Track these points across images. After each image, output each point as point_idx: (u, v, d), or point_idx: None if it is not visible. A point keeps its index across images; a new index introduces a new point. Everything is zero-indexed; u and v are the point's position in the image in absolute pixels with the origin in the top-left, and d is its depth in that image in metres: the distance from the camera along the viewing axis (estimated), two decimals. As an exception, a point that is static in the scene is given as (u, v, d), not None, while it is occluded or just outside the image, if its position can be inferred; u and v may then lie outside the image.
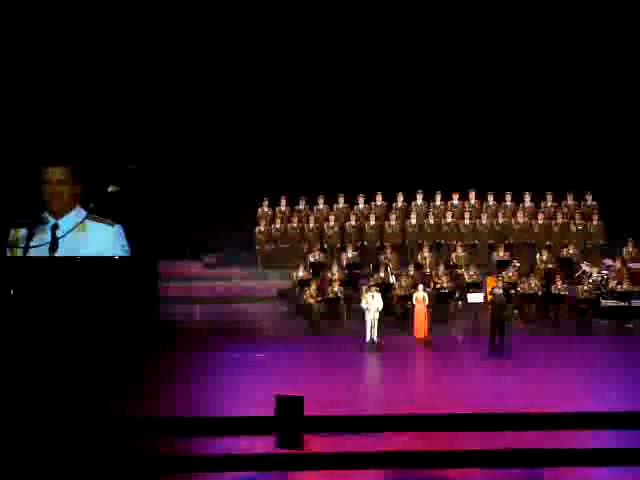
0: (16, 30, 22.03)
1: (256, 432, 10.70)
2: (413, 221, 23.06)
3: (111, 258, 20.47)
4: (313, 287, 21.16)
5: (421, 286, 20.61)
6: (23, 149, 20.58)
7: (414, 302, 20.43)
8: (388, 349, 19.37)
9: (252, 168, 23.91)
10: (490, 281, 21.11)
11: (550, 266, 22.03)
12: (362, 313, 20.01)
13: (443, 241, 23.01)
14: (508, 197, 23.35)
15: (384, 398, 15.48)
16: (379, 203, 23.54)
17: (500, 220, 23.02)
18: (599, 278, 21.34)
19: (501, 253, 22.29)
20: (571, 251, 22.31)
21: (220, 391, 15.37)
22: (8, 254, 20.21)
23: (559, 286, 21.18)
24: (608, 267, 21.75)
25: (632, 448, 9.39)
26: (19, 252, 20.01)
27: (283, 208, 23.49)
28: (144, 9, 23.09)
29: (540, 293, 21.36)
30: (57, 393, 14.67)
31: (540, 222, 22.92)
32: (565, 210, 23.20)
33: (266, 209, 23.49)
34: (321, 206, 23.55)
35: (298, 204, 23.55)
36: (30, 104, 21.79)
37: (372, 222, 23.10)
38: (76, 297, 19.76)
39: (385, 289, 20.88)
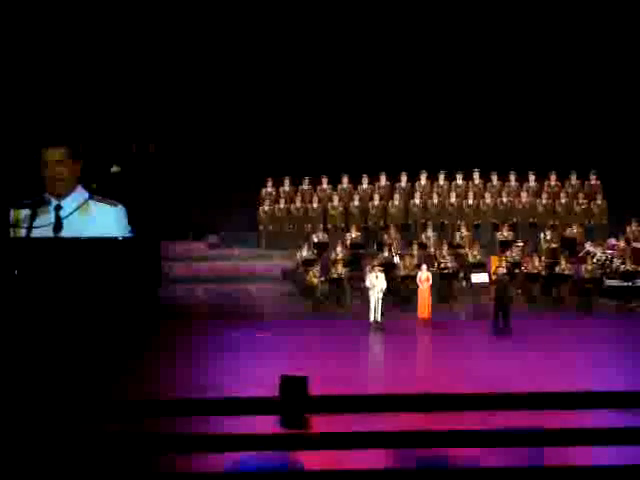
0: (14, 12, 21.94)
1: (259, 412, 10.72)
2: (417, 201, 23.04)
3: (114, 239, 20.50)
4: (317, 267, 21.19)
5: (425, 266, 20.64)
6: (22, 131, 20.54)
7: (417, 282, 20.47)
8: (391, 329, 19.40)
9: (256, 148, 23.86)
10: (494, 261, 21.15)
11: (554, 246, 22.03)
12: (366, 293, 20.05)
13: (447, 221, 23.00)
14: (512, 177, 23.31)
15: (387, 378, 15.52)
16: (383, 183, 23.51)
17: (504, 200, 23.00)
18: (603, 258, 21.34)
19: (505, 233, 22.29)
20: (575, 231, 22.30)
21: (224, 371, 15.41)
22: (13, 234, 20.20)
23: (563, 266, 21.19)
24: (612, 247, 21.74)
25: (632, 427, 9.44)
26: (22, 233, 20.01)
27: (287, 188, 23.49)
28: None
29: (544, 273, 21.37)
30: (59, 375, 14.72)
31: (544, 202, 22.89)
32: (569, 190, 23.16)
33: (270, 189, 23.47)
34: (325, 186, 23.54)
35: (302, 184, 23.55)
36: (29, 85, 21.73)
37: (376, 202, 23.08)
38: (79, 278, 19.79)
39: (389, 269, 20.89)
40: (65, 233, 20.21)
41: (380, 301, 19.82)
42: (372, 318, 19.76)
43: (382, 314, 19.74)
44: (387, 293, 20.06)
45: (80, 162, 20.47)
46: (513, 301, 19.76)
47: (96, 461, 8.94)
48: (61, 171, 20.36)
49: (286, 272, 22.30)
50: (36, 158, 20.17)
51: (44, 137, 20.28)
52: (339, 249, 21.83)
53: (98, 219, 20.46)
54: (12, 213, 19.97)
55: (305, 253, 21.85)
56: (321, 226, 22.81)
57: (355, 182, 23.54)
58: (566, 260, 21.28)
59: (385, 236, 22.35)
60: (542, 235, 22.28)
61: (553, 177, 23.28)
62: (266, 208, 23.20)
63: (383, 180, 23.50)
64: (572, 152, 23.17)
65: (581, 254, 21.78)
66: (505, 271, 19.66)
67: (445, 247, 21.78)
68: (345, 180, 23.54)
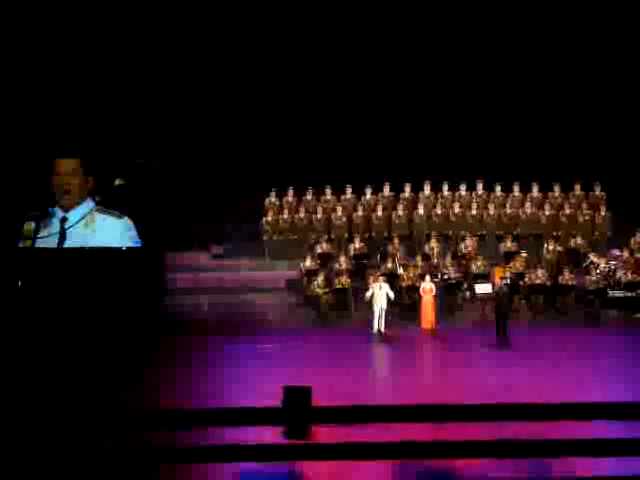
0: (27, 25, 22.08)
1: (263, 423, 10.71)
2: (420, 211, 23.04)
3: (119, 249, 20.52)
4: (321, 278, 21.20)
5: (428, 277, 20.64)
6: (34, 142, 20.63)
7: (421, 293, 20.47)
8: (395, 340, 19.40)
9: (259, 159, 23.92)
10: (497, 272, 21.13)
11: (557, 257, 22.00)
12: (370, 304, 20.05)
13: (450, 232, 22.99)
14: (516, 187, 23.29)
15: (391, 389, 15.51)
16: (386, 194, 23.52)
17: (508, 211, 22.99)
18: (607, 268, 21.32)
19: (508, 244, 22.28)
20: (579, 241, 22.28)
21: (227, 382, 15.42)
22: (20, 245, 20.27)
23: (566, 277, 21.17)
24: (616, 257, 21.72)
25: (636, 439, 9.42)
26: (30, 244, 20.08)
27: (290, 199, 23.51)
28: (150, 5, 23.10)
29: (548, 284, 21.35)
30: (62, 385, 14.73)
31: (547, 213, 22.88)
32: (573, 201, 23.15)
33: (274, 200, 23.50)
34: (328, 197, 23.56)
35: (305, 195, 23.57)
36: (40, 98, 21.83)
37: (379, 213, 23.08)
38: (82, 288, 19.82)
39: (392, 280, 20.90)
40: (69, 244, 20.26)
41: (384, 312, 19.83)
42: (376, 328, 19.77)
43: (386, 324, 19.75)
44: (391, 304, 20.05)
45: (91, 174, 20.52)
46: (511, 310, 19.62)
47: (96, 472, 8.94)
48: (71, 182, 20.43)
49: (290, 282, 22.30)
50: (46, 169, 20.25)
51: (58, 148, 20.37)
52: (343, 259, 21.84)
53: (102, 230, 20.49)
54: (25, 225, 20.05)
55: (309, 263, 21.85)
56: (325, 236, 22.81)
57: (359, 193, 23.55)
58: (570, 271, 21.28)
59: (389, 247, 22.35)
60: (546, 246, 22.26)
61: (557, 188, 23.26)
62: (270, 218, 23.21)
63: (387, 191, 23.51)
64: (576, 163, 23.18)
65: (585, 265, 21.77)
66: (505, 282, 19.58)
67: (449, 258, 21.79)
68: (349, 191, 23.55)
